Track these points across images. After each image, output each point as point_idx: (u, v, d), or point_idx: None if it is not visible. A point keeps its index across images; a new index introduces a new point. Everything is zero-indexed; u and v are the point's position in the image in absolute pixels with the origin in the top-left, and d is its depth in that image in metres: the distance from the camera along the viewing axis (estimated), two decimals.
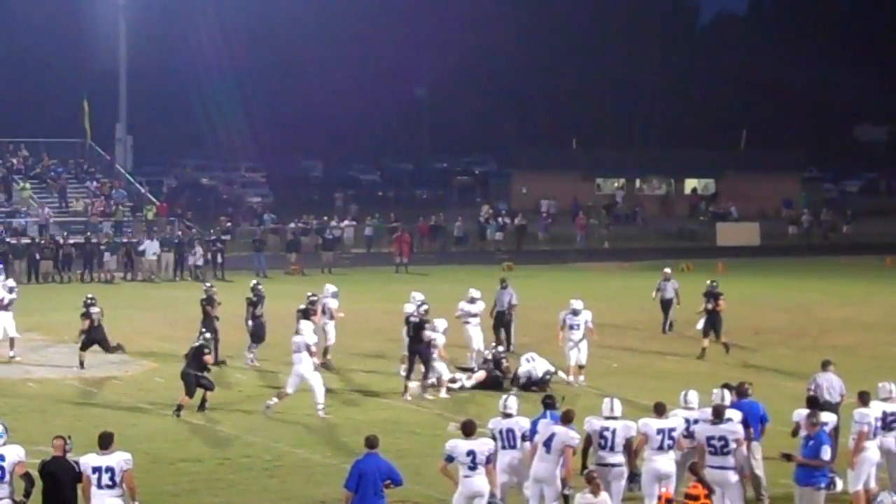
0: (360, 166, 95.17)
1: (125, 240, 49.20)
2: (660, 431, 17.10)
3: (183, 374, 24.37)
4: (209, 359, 24.76)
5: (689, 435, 17.51)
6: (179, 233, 50.45)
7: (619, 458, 17.01)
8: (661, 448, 17.05)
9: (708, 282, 32.00)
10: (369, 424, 22.37)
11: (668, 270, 35.57)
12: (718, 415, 17.30)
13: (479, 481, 16.18)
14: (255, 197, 74.18)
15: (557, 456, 16.69)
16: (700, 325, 31.14)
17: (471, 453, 16.18)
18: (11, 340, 29.70)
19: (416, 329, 25.61)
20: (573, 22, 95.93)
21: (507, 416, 17.30)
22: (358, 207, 66.23)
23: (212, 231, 51.35)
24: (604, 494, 15.92)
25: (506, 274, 44.87)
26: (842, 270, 52.81)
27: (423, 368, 25.74)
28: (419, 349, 25.62)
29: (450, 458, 16.35)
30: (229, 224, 53.06)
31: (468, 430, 16.44)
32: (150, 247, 47.68)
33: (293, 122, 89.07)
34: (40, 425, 21.90)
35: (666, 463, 16.98)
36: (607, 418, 17.19)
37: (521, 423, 17.24)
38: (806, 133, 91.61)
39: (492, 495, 16.36)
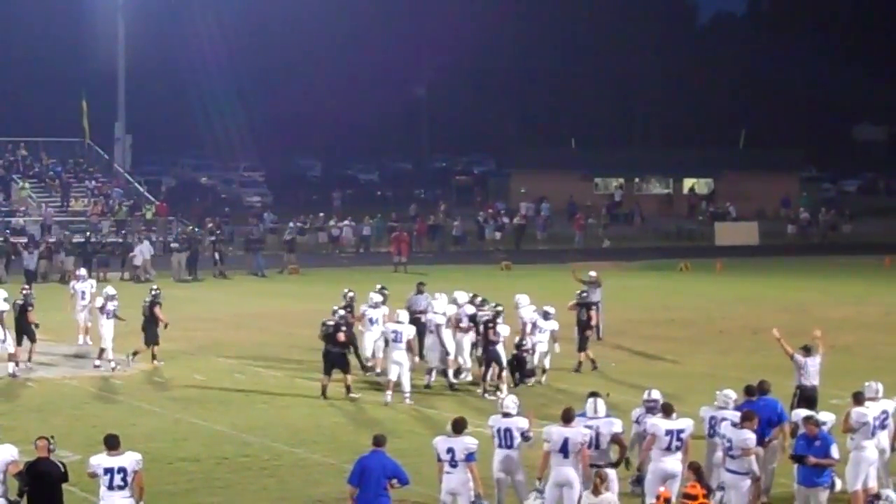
0: (358, 165, 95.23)
1: (120, 240, 49.10)
2: (668, 432, 17.05)
3: (323, 353, 25.44)
4: (342, 336, 25.43)
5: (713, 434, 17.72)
6: (190, 230, 50.48)
7: (607, 457, 16.98)
8: (668, 449, 17.01)
9: (577, 291, 30.02)
10: (368, 423, 22.37)
11: (593, 274, 32.76)
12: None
13: (457, 479, 16.22)
14: (253, 196, 74.14)
15: (576, 457, 16.66)
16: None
17: (450, 451, 16.25)
18: (102, 350, 28.51)
19: (486, 329, 25.97)
20: (572, 21, 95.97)
21: (507, 415, 17.30)
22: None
23: (199, 230, 51.10)
24: (607, 494, 15.87)
25: (504, 272, 44.97)
26: (840, 270, 52.80)
27: (495, 367, 25.99)
28: (492, 349, 25.93)
29: (440, 458, 16.42)
30: (211, 225, 52.16)
31: (457, 427, 16.49)
32: (143, 248, 47.46)
33: (292, 121, 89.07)
34: (38, 425, 21.86)
35: (673, 463, 16.92)
36: (591, 418, 17.16)
37: (520, 424, 17.21)
38: (805, 132, 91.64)
39: (476, 495, 16.31)
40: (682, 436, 17.08)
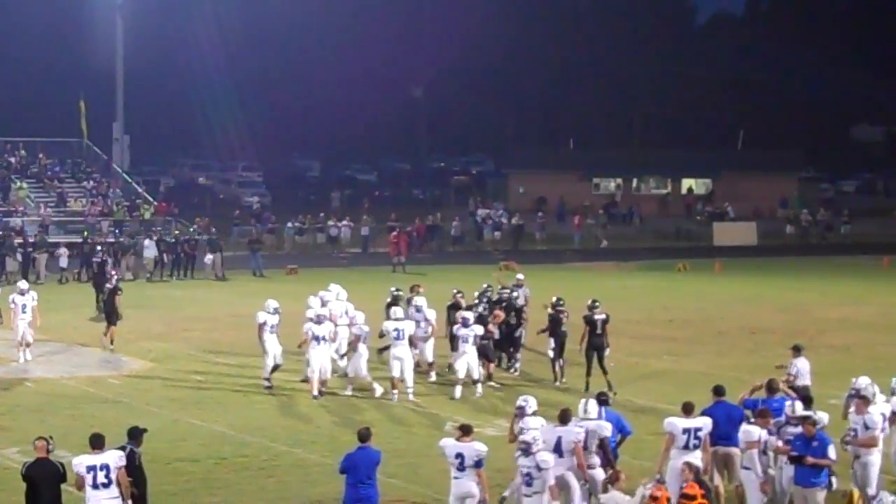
0: (357, 166, 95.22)
1: (111, 239, 49.02)
2: (685, 431, 17.13)
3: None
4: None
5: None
6: (177, 232, 50.40)
7: (593, 458, 16.99)
8: (686, 447, 17.05)
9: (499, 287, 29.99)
10: (367, 424, 22.33)
11: (520, 276, 31.72)
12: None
13: (467, 484, 16.08)
14: (252, 196, 74.14)
15: (571, 457, 16.66)
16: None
17: (459, 456, 16.11)
18: (275, 367, 26.51)
19: (604, 325, 26.44)
20: (570, 22, 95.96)
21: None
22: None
23: (190, 229, 51.11)
24: (615, 492, 15.82)
25: (501, 274, 44.88)
26: (839, 270, 52.81)
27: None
28: (598, 343, 26.34)
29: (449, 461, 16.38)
30: (196, 225, 51.81)
31: (465, 431, 16.42)
32: (149, 247, 47.45)
33: (290, 121, 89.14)
34: (37, 425, 21.85)
35: (693, 462, 16.87)
36: (582, 419, 17.15)
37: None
38: (803, 133, 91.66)
39: (482, 501, 16.14)
40: (700, 434, 17.12)
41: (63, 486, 15.52)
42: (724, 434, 17.56)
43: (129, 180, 60.44)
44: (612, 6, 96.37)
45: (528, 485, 15.81)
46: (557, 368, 27.47)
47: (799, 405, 17.91)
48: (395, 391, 25.42)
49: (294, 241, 57.21)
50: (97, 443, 15.41)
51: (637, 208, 72.39)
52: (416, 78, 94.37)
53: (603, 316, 26.60)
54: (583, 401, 17.56)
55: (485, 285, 30.22)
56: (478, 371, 26.00)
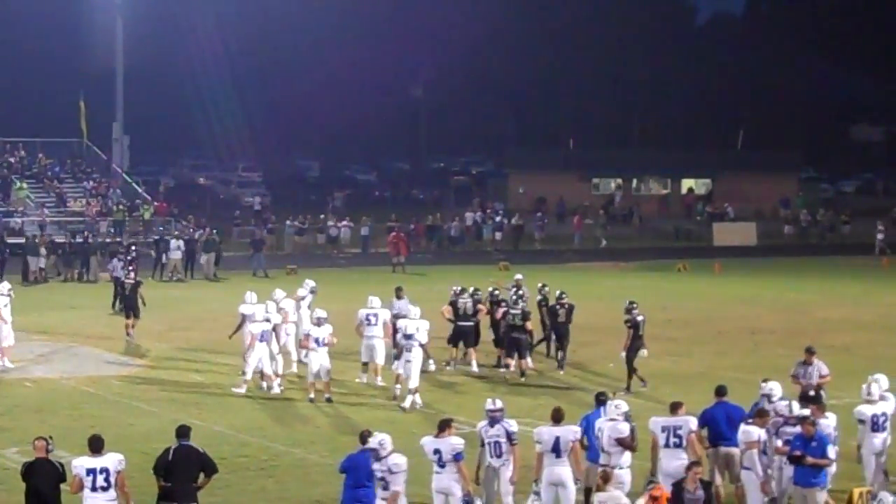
0: (356, 166, 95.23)
1: (109, 240, 48.92)
2: (664, 429, 17.20)
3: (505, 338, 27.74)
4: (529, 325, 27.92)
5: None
6: (176, 232, 50.36)
7: (604, 458, 17.04)
8: (667, 446, 17.11)
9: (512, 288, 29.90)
10: (365, 424, 22.32)
11: (519, 277, 30.74)
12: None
13: (446, 479, 16.36)
14: (252, 196, 74.12)
15: (568, 456, 16.73)
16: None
17: (437, 452, 16.43)
18: (326, 384, 25.32)
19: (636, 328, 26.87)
20: (570, 22, 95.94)
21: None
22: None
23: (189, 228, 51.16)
24: (614, 491, 15.85)
25: (502, 272, 44.89)
26: (839, 270, 52.80)
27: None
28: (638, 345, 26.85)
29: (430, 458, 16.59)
30: (186, 224, 51.82)
31: (441, 428, 16.65)
32: (175, 248, 47.37)
33: (290, 121, 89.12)
34: (37, 425, 21.85)
35: (674, 461, 16.91)
36: (609, 419, 17.24)
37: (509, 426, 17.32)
38: (803, 133, 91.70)
39: (466, 493, 16.44)
40: (680, 432, 17.14)
41: (62, 487, 15.53)
42: (724, 434, 17.56)
43: (129, 180, 60.43)
44: (612, 6, 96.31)
45: (384, 489, 16.02)
46: (558, 356, 28.02)
47: (796, 405, 17.90)
48: (398, 385, 25.35)
49: (294, 242, 57.17)
50: (96, 445, 15.39)
51: (637, 208, 72.36)
52: (415, 78, 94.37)
53: (642, 317, 27.06)
54: (611, 401, 17.70)
55: (518, 276, 30.72)
56: (417, 380, 24.97)
